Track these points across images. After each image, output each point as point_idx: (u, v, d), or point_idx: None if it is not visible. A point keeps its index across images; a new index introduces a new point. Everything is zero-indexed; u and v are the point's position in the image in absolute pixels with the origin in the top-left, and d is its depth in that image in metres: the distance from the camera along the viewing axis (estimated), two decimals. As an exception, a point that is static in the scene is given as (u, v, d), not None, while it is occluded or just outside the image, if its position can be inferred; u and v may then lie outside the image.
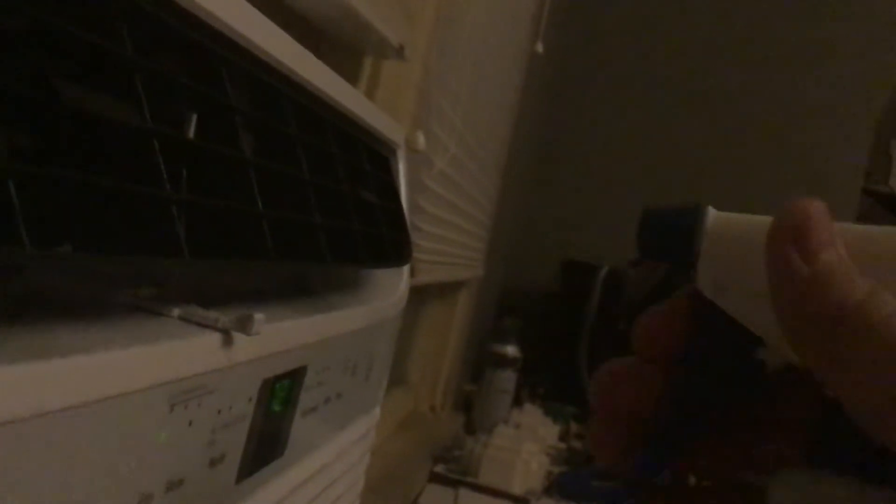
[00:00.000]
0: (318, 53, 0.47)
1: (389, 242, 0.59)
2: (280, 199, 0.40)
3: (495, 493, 1.43)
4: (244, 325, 0.34)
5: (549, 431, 1.84)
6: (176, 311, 0.33)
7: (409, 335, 1.67)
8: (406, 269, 0.68)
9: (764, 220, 0.24)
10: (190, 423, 0.32)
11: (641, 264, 2.08)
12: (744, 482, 0.26)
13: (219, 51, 0.38)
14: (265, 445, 0.41)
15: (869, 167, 2.49)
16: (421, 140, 1.07)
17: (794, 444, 0.25)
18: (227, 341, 0.34)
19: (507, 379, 1.89)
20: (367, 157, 0.61)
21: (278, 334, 0.39)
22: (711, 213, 0.26)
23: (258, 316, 0.34)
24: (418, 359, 1.77)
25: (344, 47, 0.89)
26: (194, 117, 0.37)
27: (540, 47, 1.85)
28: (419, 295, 1.57)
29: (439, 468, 1.49)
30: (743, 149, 2.45)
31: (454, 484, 1.44)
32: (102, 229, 0.26)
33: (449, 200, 1.38)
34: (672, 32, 2.51)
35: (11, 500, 0.22)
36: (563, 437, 1.87)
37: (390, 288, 0.65)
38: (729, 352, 0.26)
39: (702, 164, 2.45)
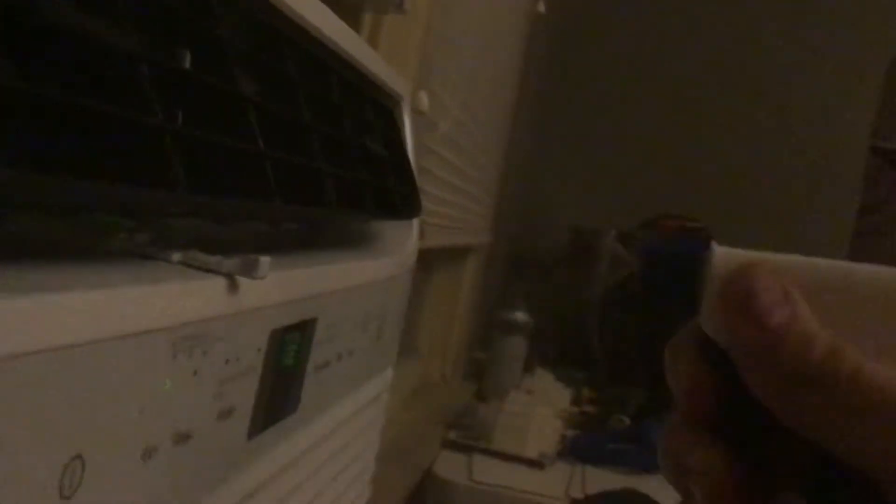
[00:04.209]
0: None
1: (397, 195, 0.57)
2: (282, 144, 0.38)
3: (509, 457, 1.42)
4: (249, 269, 0.31)
5: (561, 396, 1.83)
6: (176, 256, 0.31)
7: (418, 305, 1.65)
8: (415, 223, 0.65)
9: (770, 259, 0.23)
10: (195, 373, 0.30)
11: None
12: None
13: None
14: (277, 400, 0.39)
15: (876, 124, 2.45)
16: (424, 100, 1.04)
17: (796, 486, 0.24)
18: (232, 286, 0.32)
19: (518, 345, 1.87)
20: (372, 108, 0.58)
21: (286, 282, 0.37)
22: (717, 251, 0.24)
23: (264, 259, 0.32)
24: (427, 328, 1.75)
25: (342, 2, 0.86)
26: (188, 54, 0.35)
27: (542, 7, 1.81)
28: (426, 263, 1.55)
29: (452, 435, 1.48)
30: (751, 110, 2.41)
31: (468, 450, 1.43)
32: (91, 159, 0.24)
33: (454, 164, 1.35)
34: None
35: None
36: (575, 401, 1.85)
37: (399, 244, 0.63)
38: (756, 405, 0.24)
39: (709, 125, 2.41)
